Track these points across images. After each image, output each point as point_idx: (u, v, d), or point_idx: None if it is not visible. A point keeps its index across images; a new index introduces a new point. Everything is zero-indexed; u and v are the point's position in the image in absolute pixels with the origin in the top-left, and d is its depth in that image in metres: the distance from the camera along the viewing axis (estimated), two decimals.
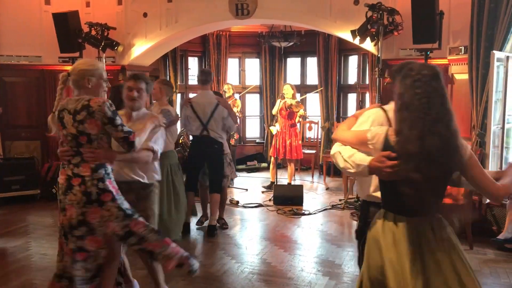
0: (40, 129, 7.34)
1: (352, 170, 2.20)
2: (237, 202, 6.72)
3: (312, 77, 9.78)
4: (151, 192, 3.45)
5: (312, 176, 8.61)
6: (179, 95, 9.79)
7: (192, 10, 7.02)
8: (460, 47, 5.60)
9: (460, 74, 5.60)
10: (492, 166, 5.04)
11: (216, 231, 5.36)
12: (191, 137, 5.97)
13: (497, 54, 4.77)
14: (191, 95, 9.24)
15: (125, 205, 2.88)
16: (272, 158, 7.47)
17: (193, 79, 9.96)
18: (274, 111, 7.53)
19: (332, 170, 8.71)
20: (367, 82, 8.59)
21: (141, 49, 7.34)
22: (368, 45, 6.15)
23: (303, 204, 6.62)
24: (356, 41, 6.07)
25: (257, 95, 10.17)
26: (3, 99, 7.09)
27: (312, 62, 9.78)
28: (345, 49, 9.00)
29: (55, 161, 7.15)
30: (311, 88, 9.57)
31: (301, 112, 7.39)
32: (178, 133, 5.58)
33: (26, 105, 7.29)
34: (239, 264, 4.46)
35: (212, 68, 9.68)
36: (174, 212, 4.71)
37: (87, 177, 2.77)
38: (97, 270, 2.90)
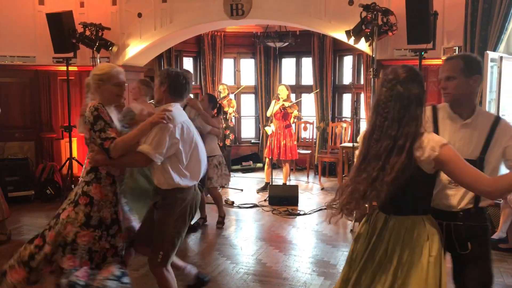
0: (34, 130, 7.32)
1: None
2: (232, 202, 6.72)
3: (307, 78, 9.79)
4: (166, 204, 3.05)
5: (307, 176, 8.62)
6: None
7: (186, 10, 7.00)
8: (454, 48, 5.61)
9: None
10: None
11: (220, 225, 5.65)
12: None
13: (490, 54, 4.79)
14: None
15: (98, 219, 2.93)
16: (267, 159, 7.48)
17: None
18: (268, 113, 7.52)
19: (327, 170, 8.73)
20: (361, 82, 8.60)
21: (135, 49, 7.32)
22: (363, 45, 6.16)
23: (298, 204, 6.62)
24: (351, 41, 6.08)
25: (252, 96, 10.17)
26: None
27: (307, 63, 9.79)
28: (340, 49, 9.01)
29: (49, 162, 7.13)
30: (306, 89, 9.59)
31: (295, 113, 7.40)
32: None
33: (20, 106, 7.25)
34: (234, 264, 4.46)
35: (207, 68, 9.67)
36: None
37: (80, 178, 2.87)
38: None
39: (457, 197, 2.38)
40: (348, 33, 6.00)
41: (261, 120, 9.80)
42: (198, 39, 9.61)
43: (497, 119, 2.44)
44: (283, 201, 6.59)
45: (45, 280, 3.00)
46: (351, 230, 5.50)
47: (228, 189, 7.63)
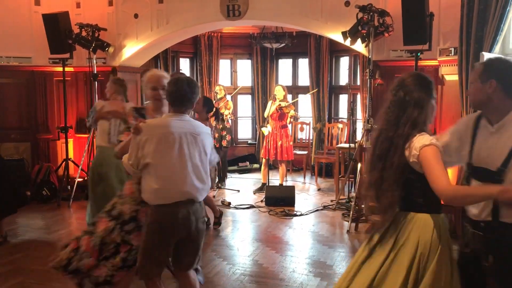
0: (30, 131, 7.30)
1: None
2: (229, 203, 6.71)
3: (304, 78, 9.80)
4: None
5: (304, 177, 8.62)
6: None
7: (183, 11, 7.00)
8: (450, 49, 5.63)
9: (450, 75, 5.64)
10: None
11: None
12: None
13: (486, 55, 4.79)
14: None
15: (118, 211, 3.11)
16: (264, 159, 7.48)
17: None
18: (266, 114, 7.53)
19: (323, 171, 8.73)
20: (358, 83, 8.61)
21: (132, 50, 7.31)
22: (359, 46, 6.17)
23: (295, 205, 6.63)
24: (347, 42, 6.09)
25: (249, 96, 10.17)
26: None
27: (303, 63, 9.80)
28: (336, 50, 9.02)
29: (45, 163, 7.11)
30: (303, 89, 9.59)
31: (292, 112, 7.40)
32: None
33: (16, 107, 7.23)
34: (231, 265, 4.46)
35: (203, 69, 9.67)
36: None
37: None
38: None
39: (480, 207, 2.28)
40: (344, 34, 6.02)
41: (258, 121, 9.80)
42: (195, 40, 9.60)
43: None
44: (279, 201, 6.59)
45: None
46: (348, 231, 5.51)
47: (225, 190, 7.63)
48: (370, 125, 5.87)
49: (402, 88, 2.27)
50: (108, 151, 4.47)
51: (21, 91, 7.26)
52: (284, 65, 10.19)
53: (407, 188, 2.24)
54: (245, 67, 10.28)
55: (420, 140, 2.17)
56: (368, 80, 6.01)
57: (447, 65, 5.71)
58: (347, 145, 7.08)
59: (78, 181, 6.72)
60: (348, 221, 5.66)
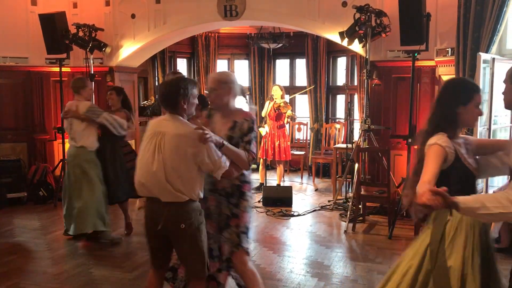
0: (27, 131, 7.27)
1: None
2: None
3: (301, 79, 9.80)
4: None
5: (301, 177, 8.62)
6: None
7: (180, 11, 6.99)
8: (447, 49, 5.64)
9: (447, 75, 5.63)
10: None
11: None
12: None
13: (483, 56, 4.81)
14: None
15: None
16: (261, 160, 7.48)
17: None
18: (263, 113, 7.54)
19: (321, 171, 8.74)
20: (355, 83, 8.62)
21: (129, 50, 7.30)
22: (356, 46, 6.18)
23: (292, 205, 6.63)
24: (344, 42, 6.10)
25: (246, 97, 10.14)
26: None
27: (301, 64, 9.81)
28: (334, 50, 9.03)
29: (42, 164, 7.09)
30: (300, 90, 9.59)
31: (289, 112, 7.41)
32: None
33: (13, 107, 7.21)
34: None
35: (201, 69, 9.66)
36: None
37: None
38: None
39: None
40: (341, 34, 6.02)
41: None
42: (192, 40, 9.60)
43: None
44: (277, 202, 6.59)
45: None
46: (345, 231, 5.51)
47: None
48: (367, 126, 5.88)
49: (439, 91, 2.52)
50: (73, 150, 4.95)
51: (18, 91, 7.24)
52: (282, 65, 10.19)
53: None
54: (242, 67, 10.27)
55: (432, 139, 2.33)
56: (366, 80, 6.01)
57: (444, 66, 5.72)
58: (344, 146, 7.10)
59: None
60: (345, 221, 5.67)
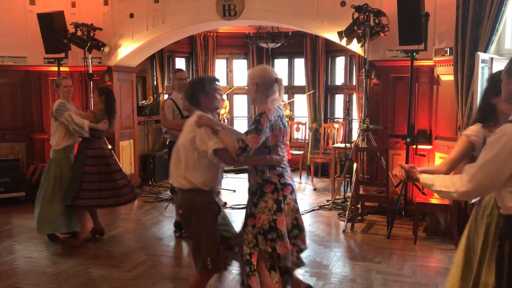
0: (25, 131, 7.26)
1: None
2: (225, 203, 6.70)
3: (300, 78, 9.81)
4: None
5: (300, 177, 8.62)
6: (166, 96, 9.74)
7: (179, 11, 6.99)
8: (446, 49, 5.64)
9: (446, 75, 5.65)
10: None
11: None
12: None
13: (481, 55, 4.81)
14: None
15: None
16: None
17: None
18: None
19: (319, 170, 8.74)
20: (354, 83, 8.63)
21: (127, 49, 7.29)
22: (355, 46, 6.17)
23: None
24: (343, 42, 6.10)
25: (245, 96, 10.16)
26: None
27: (299, 63, 9.81)
28: (332, 50, 9.04)
29: (40, 163, 7.07)
30: (299, 89, 9.60)
31: (287, 112, 7.40)
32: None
33: (11, 107, 7.19)
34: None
35: (199, 69, 9.66)
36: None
37: None
38: None
39: None
40: (340, 34, 6.02)
41: None
42: (191, 39, 9.59)
43: None
44: None
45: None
46: (344, 231, 5.51)
47: (221, 190, 7.60)
48: (365, 125, 5.89)
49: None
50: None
51: (16, 91, 7.22)
52: (280, 65, 10.19)
53: None
54: (241, 66, 10.28)
55: (465, 130, 2.63)
56: (364, 80, 6.02)
57: (442, 65, 5.72)
58: (343, 145, 7.10)
59: None
60: (344, 221, 5.67)
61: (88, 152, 4.99)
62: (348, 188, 6.73)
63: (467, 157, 2.64)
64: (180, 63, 10.03)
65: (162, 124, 5.41)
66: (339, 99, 9.40)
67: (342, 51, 8.62)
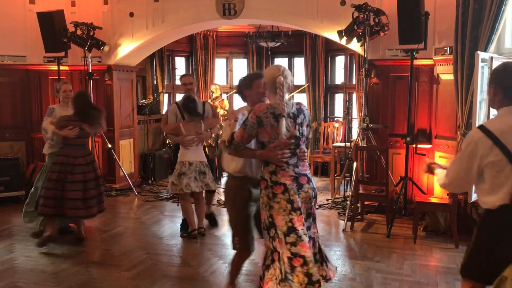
0: (25, 130, 7.27)
1: None
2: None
3: (300, 77, 9.80)
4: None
5: None
6: (166, 95, 9.75)
7: (178, 10, 6.98)
8: (445, 48, 5.64)
9: (446, 74, 5.65)
10: None
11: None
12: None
13: (481, 54, 4.81)
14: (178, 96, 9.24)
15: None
16: None
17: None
18: None
19: (319, 170, 8.74)
20: (354, 82, 8.64)
21: (127, 49, 7.29)
22: (355, 45, 6.17)
23: None
24: (343, 41, 6.10)
25: None
26: None
27: (299, 62, 9.81)
28: (332, 49, 9.03)
29: (40, 162, 7.07)
30: (298, 88, 9.58)
31: None
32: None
33: (11, 106, 7.20)
34: (227, 264, 4.44)
35: (199, 68, 9.66)
36: None
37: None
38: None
39: None
40: (340, 33, 6.02)
41: None
42: (190, 38, 9.59)
43: None
44: None
45: None
46: (343, 230, 5.51)
47: (221, 189, 7.60)
48: (365, 124, 5.89)
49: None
50: None
51: (16, 90, 7.23)
52: (280, 64, 10.16)
53: None
54: (240, 66, 10.27)
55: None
56: (364, 79, 6.02)
57: (442, 64, 5.72)
58: (342, 144, 7.10)
59: None
60: (344, 220, 5.67)
61: (56, 158, 4.92)
62: (348, 187, 6.73)
63: None
64: (180, 62, 10.03)
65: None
66: (339, 98, 9.40)
67: (342, 50, 8.61)
